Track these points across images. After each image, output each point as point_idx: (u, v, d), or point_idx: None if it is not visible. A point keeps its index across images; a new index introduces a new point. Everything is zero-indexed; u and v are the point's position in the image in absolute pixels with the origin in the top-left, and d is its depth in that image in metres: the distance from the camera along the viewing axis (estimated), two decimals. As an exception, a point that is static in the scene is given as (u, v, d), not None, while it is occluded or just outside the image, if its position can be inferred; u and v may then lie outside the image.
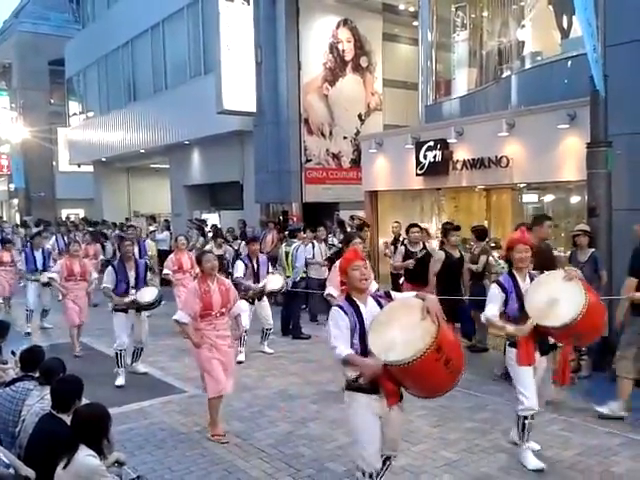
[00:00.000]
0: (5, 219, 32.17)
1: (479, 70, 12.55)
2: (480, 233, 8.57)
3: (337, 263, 6.69)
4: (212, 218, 17.58)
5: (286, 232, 11.65)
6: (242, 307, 6.27)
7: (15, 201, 34.87)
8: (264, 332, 8.59)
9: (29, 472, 3.61)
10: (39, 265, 10.41)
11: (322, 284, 8.79)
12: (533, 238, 6.44)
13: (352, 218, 12.77)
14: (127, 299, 7.30)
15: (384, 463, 3.84)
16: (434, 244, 9.36)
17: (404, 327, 3.47)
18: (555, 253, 7.56)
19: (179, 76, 18.03)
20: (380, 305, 3.73)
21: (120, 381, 7.22)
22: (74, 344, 8.75)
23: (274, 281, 8.79)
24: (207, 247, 11.27)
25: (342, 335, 3.64)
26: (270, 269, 8.83)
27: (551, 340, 4.72)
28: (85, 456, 3.41)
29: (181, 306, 5.80)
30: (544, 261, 5.78)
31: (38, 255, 10.51)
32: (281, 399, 6.54)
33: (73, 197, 30.40)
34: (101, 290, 7.70)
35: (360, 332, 3.63)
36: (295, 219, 14.48)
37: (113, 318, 7.41)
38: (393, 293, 3.89)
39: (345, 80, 15.91)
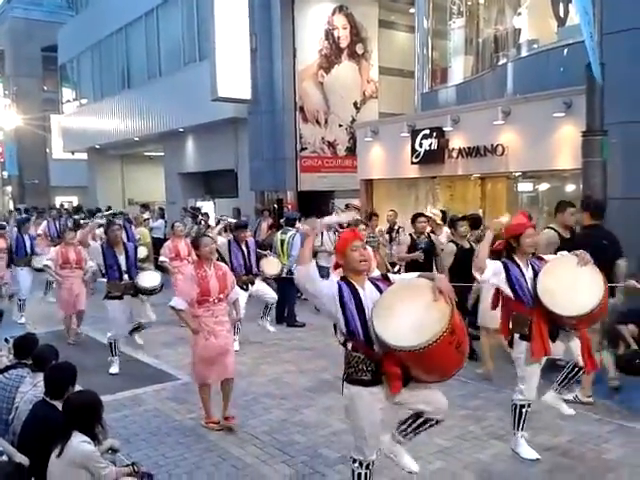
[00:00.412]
0: (-1, 206, 32.07)
1: (475, 58, 12.52)
2: (474, 222, 8.54)
3: None
4: (207, 206, 17.53)
5: (281, 220, 11.62)
6: (240, 291, 6.14)
7: (9, 188, 34.72)
8: (267, 307, 8.57)
9: (23, 459, 3.61)
10: (28, 250, 10.32)
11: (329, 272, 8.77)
12: (556, 225, 6.26)
13: (347, 206, 12.75)
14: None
15: (425, 422, 3.63)
16: (444, 232, 9.06)
17: (413, 310, 3.27)
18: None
19: (173, 63, 17.91)
20: (379, 289, 3.52)
21: (114, 369, 7.20)
22: (68, 333, 8.73)
23: (271, 265, 8.77)
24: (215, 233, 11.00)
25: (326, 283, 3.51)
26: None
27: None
28: (80, 442, 3.41)
29: (177, 292, 5.67)
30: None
31: (27, 240, 10.43)
32: (275, 387, 6.56)
33: (67, 185, 30.31)
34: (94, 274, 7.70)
35: (360, 318, 3.43)
36: (290, 207, 14.46)
37: (107, 307, 7.28)
38: (391, 276, 3.71)
39: (340, 67, 15.84)
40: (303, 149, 15.14)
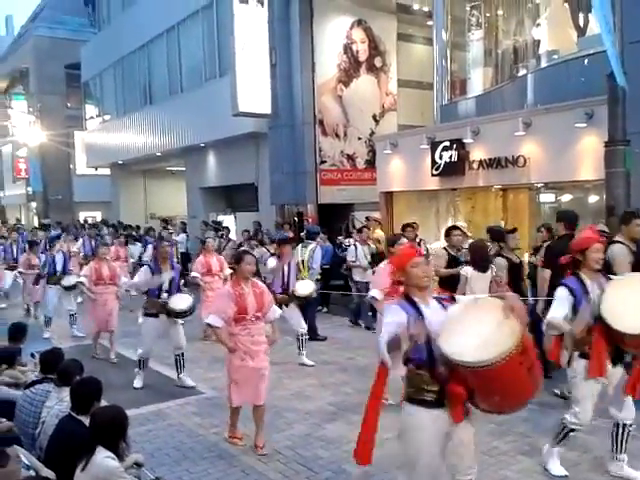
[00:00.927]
0: (23, 222, 32.54)
1: (495, 69, 12.49)
2: (495, 234, 8.41)
3: (382, 265, 6.44)
4: (228, 220, 17.64)
5: (302, 234, 11.63)
6: (278, 310, 5.79)
7: (33, 204, 35.25)
8: (299, 340, 8.15)
9: (49, 473, 3.63)
10: (59, 268, 10.33)
11: (367, 287, 8.40)
12: (623, 239, 5.94)
13: (367, 219, 12.75)
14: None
15: None
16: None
17: (483, 326, 3.12)
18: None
19: (194, 79, 18.13)
20: (444, 307, 3.44)
21: (138, 383, 7.25)
22: (95, 347, 8.80)
23: (304, 286, 8.49)
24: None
25: (390, 329, 3.27)
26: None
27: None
28: (103, 458, 3.43)
29: (214, 309, 5.48)
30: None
31: (58, 258, 10.43)
32: (298, 401, 6.54)
33: (90, 200, 30.69)
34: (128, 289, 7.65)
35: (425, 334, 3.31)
36: (310, 220, 14.49)
37: (142, 324, 7.30)
38: (458, 297, 3.63)
39: (359, 81, 15.87)
40: (323, 162, 15.17)
